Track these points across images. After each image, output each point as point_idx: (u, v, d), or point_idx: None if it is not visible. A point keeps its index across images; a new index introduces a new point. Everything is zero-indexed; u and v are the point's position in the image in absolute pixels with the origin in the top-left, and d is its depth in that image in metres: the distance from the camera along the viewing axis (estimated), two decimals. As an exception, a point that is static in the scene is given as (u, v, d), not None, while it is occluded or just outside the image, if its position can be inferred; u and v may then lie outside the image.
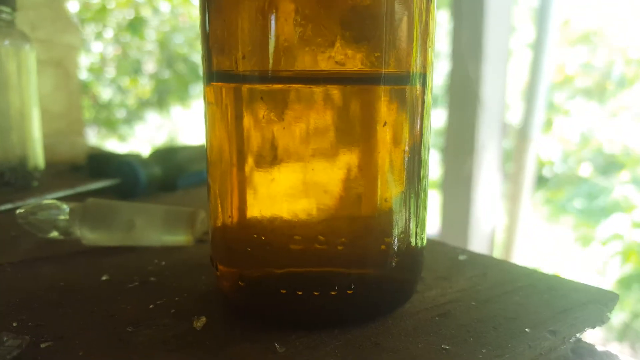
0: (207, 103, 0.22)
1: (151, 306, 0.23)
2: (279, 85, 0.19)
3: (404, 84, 0.20)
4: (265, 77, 0.19)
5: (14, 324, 0.21)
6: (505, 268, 0.28)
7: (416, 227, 0.22)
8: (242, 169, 0.21)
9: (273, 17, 0.19)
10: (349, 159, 0.20)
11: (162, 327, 0.21)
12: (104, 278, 0.27)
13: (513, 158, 1.88)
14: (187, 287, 0.25)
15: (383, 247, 0.21)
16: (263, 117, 0.20)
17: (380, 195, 0.21)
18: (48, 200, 0.32)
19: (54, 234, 0.31)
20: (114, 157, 0.56)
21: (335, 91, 0.19)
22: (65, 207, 0.31)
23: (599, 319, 0.23)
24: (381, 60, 0.19)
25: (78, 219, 0.31)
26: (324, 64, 0.19)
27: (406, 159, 0.21)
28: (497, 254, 1.65)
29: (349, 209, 0.20)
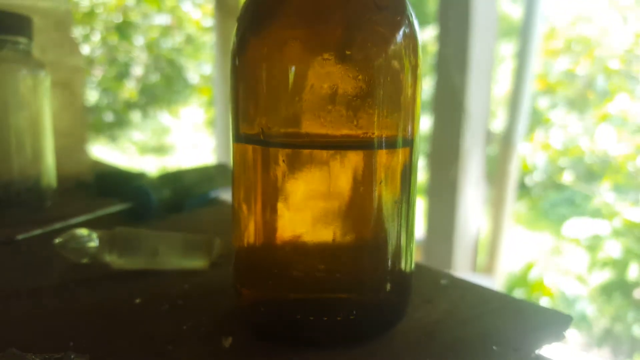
0: (235, 154, 0.27)
1: (184, 327, 0.27)
2: (299, 150, 0.24)
3: (397, 147, 0.25)
4: (286, 144, 0.24)
5: (71, 343, 0.26)
6: (480, 292, 0.32)
7: (406, 257, 0.27)
8: (265, 211, 0.25)
9: (297, 99, 0.23)
10: (352, 205, 0.24)
11: (198, 345, 0.26)
12: (137, 301, 0.31)
13: (497, 165, 1.93)
14: (211, 308, 0.30)
15: (380, 274, 0.26)
16: (282, 173, 0.24)
17: (377, 235, 0.25)
18: (79, 228, 0.36)
19: (85, 259, 0.35)
20: (123, 178, 0.60)
21: (338, 155, 0.24)
22: (95, 235, 0.35)
23: (556, 337, 0.27)
24: (375, 131, 0.24)
25: (107, 246, 0.35)
26: (338, 133, 0.24)
27: (398, 206, 0.26)
28: (481, 258, 1.71)
29: (354, 244, 0.25)
